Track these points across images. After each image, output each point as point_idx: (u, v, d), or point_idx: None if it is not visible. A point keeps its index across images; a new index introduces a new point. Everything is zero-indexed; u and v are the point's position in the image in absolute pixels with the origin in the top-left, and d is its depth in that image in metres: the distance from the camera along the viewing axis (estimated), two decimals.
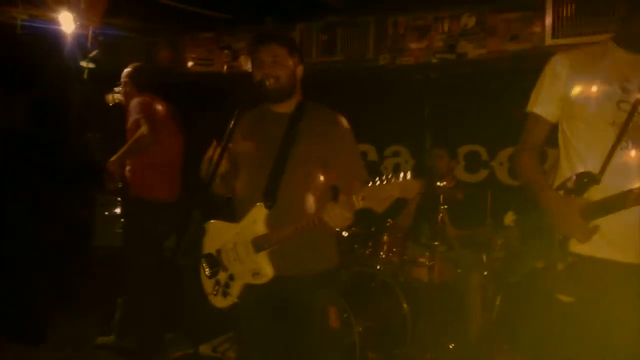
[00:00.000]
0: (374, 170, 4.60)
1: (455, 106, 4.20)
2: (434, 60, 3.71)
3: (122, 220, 3.47)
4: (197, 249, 2.27)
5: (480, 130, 4.18)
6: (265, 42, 2.13)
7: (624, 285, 1.61)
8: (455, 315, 3.42)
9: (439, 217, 3.35)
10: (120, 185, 3.27)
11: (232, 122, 2.10)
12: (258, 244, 2.04)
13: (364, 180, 1.79)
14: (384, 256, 3.43)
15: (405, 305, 3.24)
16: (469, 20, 3.53)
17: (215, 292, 2.18)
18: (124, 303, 3.38)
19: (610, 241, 1.60)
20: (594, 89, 1.68)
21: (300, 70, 2.16)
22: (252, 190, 2.11)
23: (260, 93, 2.10)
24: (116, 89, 3.29)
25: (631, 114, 1.61)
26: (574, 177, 1.67)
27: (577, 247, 1.63)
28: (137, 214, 3.29)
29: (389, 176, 1.72)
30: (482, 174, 4.26)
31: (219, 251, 2.17)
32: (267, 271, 2.03)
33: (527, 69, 3.64)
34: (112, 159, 3.16)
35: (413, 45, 3.77)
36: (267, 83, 2.09)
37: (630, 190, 1.56)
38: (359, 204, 1.79)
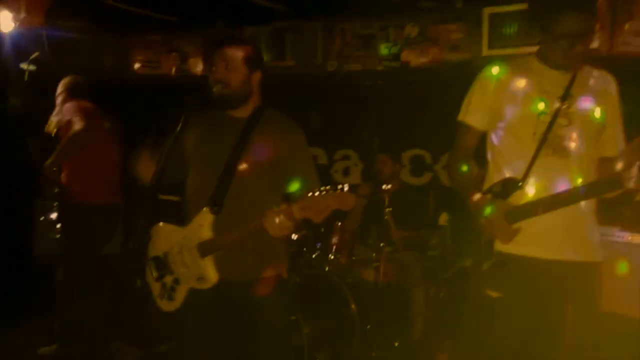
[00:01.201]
0: (324, 173, 4.69)
1: (400, 112, 4.35)
2: (380, 68, 3.84)
3: (60, 225, 3.38)
4: (143, 253, 2.26)
5: (425, 135, 4.34)
6: (219, 47, 2.12)
7: (545, 280, 1.73)
8: (400, 314, 3.54)
9: (385, 219, 3.47)
10: (57, 190, 3.21)
11: (180, 125, 2.12)
12: (203, 249, 2.05)
13: (317, 189, 1.82)
14: (332, 258, 3.51)
15: (352, 306, 3.31)
16: (412, 30, 3.68)
17: (161, 296, 2.18)
18: (65, 311, 3.30)
19: (531, 240, 1.72)
20: (518, 101, 1.79)
21: (257, 75, 2.14)
22: (200, 194, 2.11)
23: (212, 98, 2.12)
24: (53, 118, 3.23)
25: (550, 125, 1.73)
26: (500, 182, 1.78)
27: (502, 247, 1.74)
28: (74, 219, 3.23)
29: (327, 188, 1.77)
30: (427, 177, 4.43)
31: (165, 254, 2.16)
32: (211, 276, 2.04)
33: (467, 78, 3.84)
34: (48, 162, 3.09)
35: (360, 53, 3.88)
36: (216, 89, 2.11)
37: (544, 198, 1.69)
38: (298, 213, 1.83)
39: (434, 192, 3.94)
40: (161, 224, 2.23)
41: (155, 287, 2.20)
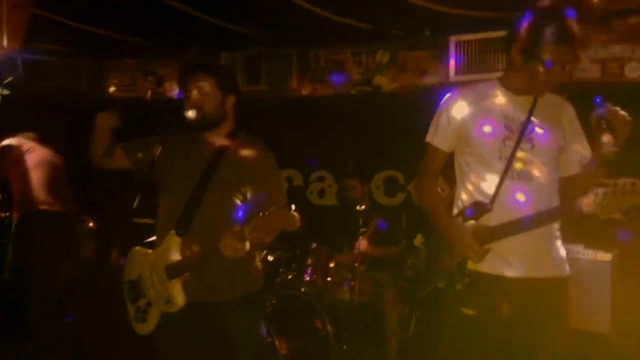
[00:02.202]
0: (299, 195, 4.75)
1: (373, 134, 4.46)
2: (353, 92, 3.96)
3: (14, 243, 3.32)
4: (118, 276, 2.27)
5: (397, 156, 4.45)
6: (192, 72, 2.17)
7: (516, 297, 1.78)
8: (375, 333, 3.58)
9: (359, 240, 3.53)
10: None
11: (155, 148, 2.16)
12: (170, 272, 2.04)
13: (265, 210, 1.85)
14: (308, 278, 3.54)
15: (328, 326, 3.33)
16: (383, 57, 3.82)
17: (136, 319, 2.18)
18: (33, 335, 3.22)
19: (500, 258, 1.79)
20: (483, 126, 1.84)
21: (231, 100, 2.18)
22: (169, 217, 2.12)
23: (185, 122, 2.16)
24: None
25: (515, 150, 1.79)
26: (470, 206, 1.82)
27: (474, 265, 1.80)
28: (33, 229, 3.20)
29: (272, 209, 1.82)
30: (400, 197, 4.53)
31: (139, 278, 2.17)
32: (178, 299, 2.03)
33: (435, 102, 3.99)
34: None
35: (332, 77, 4.00)
36: (189, 114, 2.15)
37: (511, 222, 1.75)
38: (250, 234, 1.85)
39: (406, 212, 4.03)
40: (136, 247, 2.25)
41: (131, 310, 2.21)
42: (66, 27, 3.75)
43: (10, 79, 3.39)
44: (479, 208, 1.80)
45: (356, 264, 3.51)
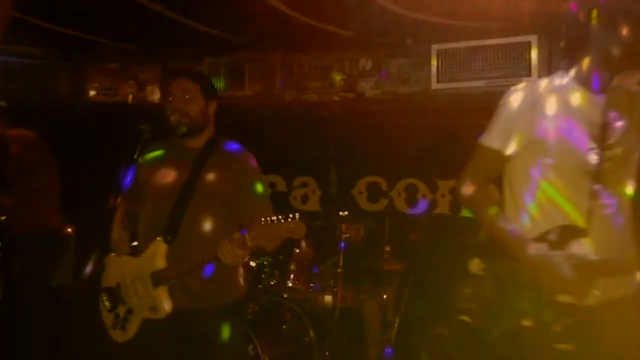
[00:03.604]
0: (282, 200, 4.74)
1: (356, 140, 4.49)
2: (336, 98, 3.98)
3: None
4: (96, 284, 2.24)
5: (380, 162, 4.49)
6: (177, 77, 2.17)
7: (606, 323, 1.57)
8: (357, 339, 3.58)
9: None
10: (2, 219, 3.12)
11: (136, 154, 2.14)
12: (156, 279, 2.04)
13: (264, 217, 1.86)
14: (290, 284, 3.54)
15: (311, 332, 3.34)
16: (366, 64, 3.85)
17: (114, 326, 2.16)
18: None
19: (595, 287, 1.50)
20: (563, 132, 1.55)
21: (212, 106, 2.21)
22: (153, 224, 2.12)
23: (169, 127, 2.15)
24: None
25: (600, 162, 1.51)
26: (558, 230, 1.53)
27: (565, 298, 1.51)
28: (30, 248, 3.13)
29: (279, 217, 1.82)
30: (382, 203, 4.56)
31: (118, 285, 2.15)
32: (164, 306, 2.03)
33: (417, 109, 4.07)
34: None
35: (316, 84, 4.01)
36: (174, 119, 2.15)
37: (613, 259, 1.50)
38: (251, 242, 1.86)
39: (389, 218, 4.06)
40: (112, 255, 2.23)
41: (108, 318, 2.19)
42: (45, 30, 3.70)
43: None
44: (568, 234, 1.50)
45: (339, 270, 3.52)
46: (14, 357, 3.13)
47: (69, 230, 4.02)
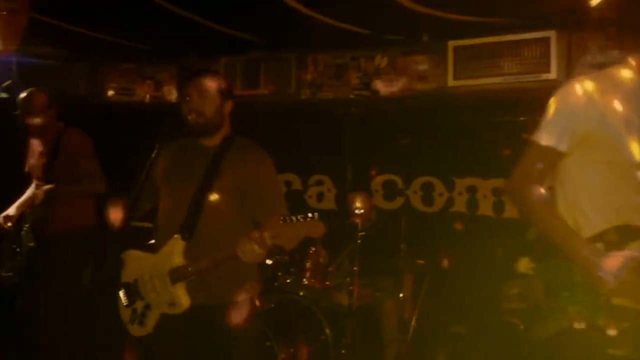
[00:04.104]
0: (298, 199, 4.74)
1: (372, 138, 4.47)
2: (352, 96, 3.96)
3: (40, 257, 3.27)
4: (115, 280, 2.27)
5: (396, 160, 4.46)
6: (193, 77, 2.20)
7: None
8: (374, 337, 3.57)
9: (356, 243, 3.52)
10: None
11: (154, 153, 2.17)
12: (174, 276, 2.07)
13: (283, 216, 1.87)
14: (306, 282, 3.54)
15: (327, 330, 3.33)
16: (381, 61, 3.82)
17: (132, 321, 2.19)
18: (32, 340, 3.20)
19: None
20: (616, 125, 1.50)
21: (228, 105, 2.22)
22: (171, 222, 2.14)
23: (185, 126, 2.17)
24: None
25: None
26: (614, 231, 1.48)
27: (624, 302, 1.46)
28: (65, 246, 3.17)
29: (298, 216, 1.83)
30: (398, 201, 4.53)
31: (136, 281, 2.18)
32: (183, 302, 2.06)
33: (433, 107, 4.03)
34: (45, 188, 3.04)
35: (332, 82, 4.00)
36: (191, 118, 2.17)
37: None
38: (270, 240, 1.88)
39: (405, 217, 4.03)
40: (132, 250, 2.26)
41: (126, 313, 2.21)
42: (64, 31, 3.75)
43: (7, 82, 3.38)
44: (627, 234, 1.46)
45: (355, 268, 3.51)
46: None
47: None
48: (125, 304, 2.21)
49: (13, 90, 3.52)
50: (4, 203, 3.29)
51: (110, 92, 4.75)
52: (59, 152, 3.14)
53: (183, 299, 2.05)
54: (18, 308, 3.25)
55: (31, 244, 3.09)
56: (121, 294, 2.23)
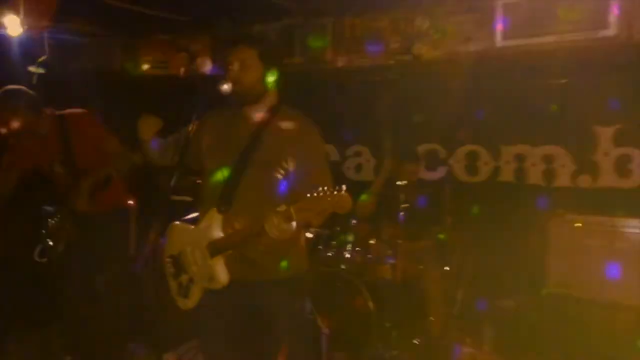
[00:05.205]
0: (336, 170, 4.65)
1: (413, 106, 4.29)
2: (391, 62, 3.77)
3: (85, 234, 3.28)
4: (158, 255, 2.25)
5: (438, 129, 4.28)
6: (234, 45, 2.10)
7: None
8: (418, 311, 3.50)
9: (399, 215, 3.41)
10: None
11: (192, 125, 2.10)
12: (212, 249, 2.03)
13: (314, 190, 1.77)
14: (348, 256, 3.47)
15: (370, 304, 3.28)
16: (423, 23, 3.60)
17: (178, 293, 2.18)
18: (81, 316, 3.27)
19: None
20: None
21: (272, 73, 2.11)
22: (211, 194, 2.10)
23: (225, 97, 2.08)
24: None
25: None
26: None
27: None
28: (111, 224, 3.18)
29: (325, 189, 1.73)
30: (441, 171, 4.37)
31: (180, 253, 2.16)
32: (221, 277, 2.01)
33: (480, 70, 3.81)
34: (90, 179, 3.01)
35: (370, 47, 3.81)
36: (229, 87, 2.07)
37: None
38: (297, 215, 1.79)
39: (449, 187, 3.88)
40: (176, 222, 2.23)
41: (173, 285, 2.20)
42: (97, 4, 3.69)
43: (43, 57, 3.37)
44: None
45: (399, 241, 3.41)
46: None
47: (131, 202, 4.12)
48: (172, 276, 2.20)
49: (48, 66, 3.51)
50: None
51: (146, 66, 4.71)
52: (72, 142, 3.00)
53: (221, 274, 2.01)
54: (57, 293, 3.30)
55: (64, 229, 3.09)
56: (168, 265, 2.21)
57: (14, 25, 3.22)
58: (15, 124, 2.85)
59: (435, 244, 3.63)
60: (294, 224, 1.81)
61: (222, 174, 2.08)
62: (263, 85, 2.10)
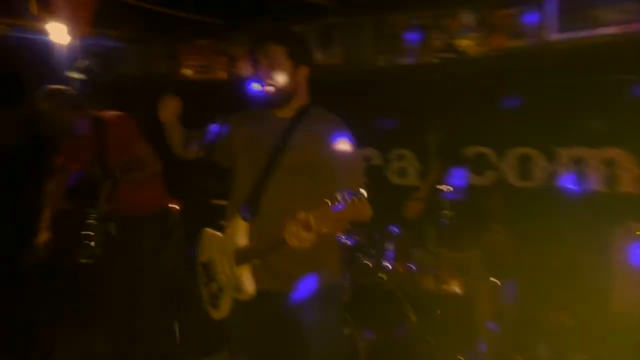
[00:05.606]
0: (378, 175, 4.49)
1: (459, 106, 4.06)
2: (435, 60, 3.58)
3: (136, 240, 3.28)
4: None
5: (487, 131, 4.04)
6: (261, 43, 2.00)
7: None
8: (464, 325, 3.29)
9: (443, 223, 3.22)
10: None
11: (223, 126, 2.04)
12: (238, 257, 1.95)
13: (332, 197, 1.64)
14: (388, 265, 3.32)
15: (412, 317, 3.13)
16: (469, 18, 3.39)
17: (208, 302, 2.12)
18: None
19: None
20: None
21: (303, 71, 2.01)
22: (237, 199, 2.02)
23: (255, 98, 1.99)
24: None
25: None
26: None
27: None
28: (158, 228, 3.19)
29: (344, 195, 1.60)
30: (490, 176, 4.12)
31: (209, 261, 2.10)
32: (247, 287, 1.93)
33: (532, 66, 3.54)
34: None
35: (412, 46, 3.64)
36: (259, 87, 1.97)
37: None
38: (315, 224, 1.66)
39: (498, 192, 3.64)
40: (208, 229, 2.18)
41: (205, 294, 2.15)
42: (137, 10, 3.73)
43: (85, 63, 3.43)
44: None
45: (443, 250, 3.22)
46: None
47: (176, 208, 4.15)
48: (203, 284, 2.15)
49: (89, 72, 3.58)
50: None
51: (188, 71, 4.75)
52: (106, 142, 2.97)
53: (248, 284, 1.93)
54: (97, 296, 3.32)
55: (104, 232, 3.10)
56: (200, 273, 2.16)
57: (58, 32, 3.29)
58: (60, 124, 2.89)
59: (483, 254, 3.40)
60: (314, 233, 1.68)
61: (249, 177, 2.00)
62: (293, 85, 2.00)
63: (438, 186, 3.37)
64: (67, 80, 3.35)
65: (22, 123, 4.03)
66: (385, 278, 3.30)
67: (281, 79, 1.95)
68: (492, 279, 3.33)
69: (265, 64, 1.96)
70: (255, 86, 1.97)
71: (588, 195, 3.66)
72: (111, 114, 3.08)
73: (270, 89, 1.95)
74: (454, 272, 3.31)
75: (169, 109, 2.16)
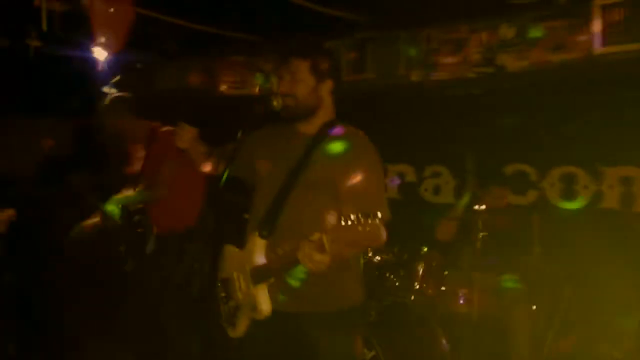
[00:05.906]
0: (412, 192, 4.37)
1: (498, 123, 3.92)
2: (471, 75, 3.47)
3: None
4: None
5: (528, 148, 3.87)
6: (285, 58, 1.99)
7: None
8: (499, 354, 3.11)
9: (478, 244, 3.07)
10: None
11: (237, 142, 2.00)
12: (255, 276, 1.90)
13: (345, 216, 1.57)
14: (418, 286, 3.19)
15: (443, 341, 2.98)
16: (508, 31, 3.27)
17: (227, 321, 2.07)
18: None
19: None
20: None
21: (327, 85, 1.97)
22: (256, 215, 1.98)
23: (277, 113, 1.96)
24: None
25: None
26: None
27: None
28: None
29: (358, 216, 1.51)
30: (531, 195, 3.93)
31: (228, 278, 2.06)
32: (264, 307, 1.87)
33: (574, 81, 3.37)
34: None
35: (448, 60, 3.54)
36: (277, 102, 1.94)
37: None
38: (330, 246, 1.59)
39: (539, 214, 3.46)
40: (229, 245, 2.14)
41: (223, 311, 2.10)
42: (175, 27, 3.82)
43: (118, 78, 3.51)
44: None
45: (477, 273, 3.07)
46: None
47: (204, 223, 4.16)
48: (222, 302, 2.11)
49: (122, 87, 3.66)
50: None
51: (223, 87, 4.82)
52: (167, 156, 2.97)
53: (264, 303, 1.88)
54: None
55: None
56: (220, 290, 2.12)
57: (95, 48, 3.39)
58: (124, 130, 2.98)
59: (521, 278, 3.21)
60: (328, 255, 1.61)
61: (268, 194, 1.96)
62: (316, 99, 1.95)
63: (474, 206, 3.24)
64: (104, 96, 3.44)
65: (84, 132, 4.16)
66: (414, 299, 3.17)
67: (302, 93, 1.93)
68: (530, 305, 3.15)
69: (288, 79, 1.94)
70: (277, 101, 1.94)
71: (636, 217, 3.43)
72: (167, 130, 3.11)
73: (291, 103, 1.92)
74: (489, 296, 3.14)
75: (186, 137, 2.16)
